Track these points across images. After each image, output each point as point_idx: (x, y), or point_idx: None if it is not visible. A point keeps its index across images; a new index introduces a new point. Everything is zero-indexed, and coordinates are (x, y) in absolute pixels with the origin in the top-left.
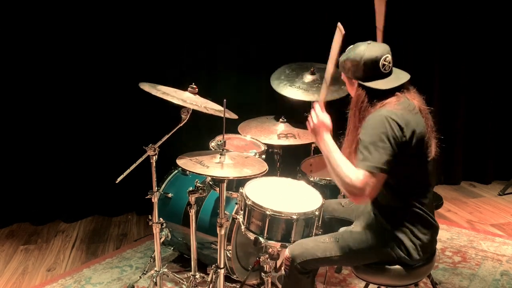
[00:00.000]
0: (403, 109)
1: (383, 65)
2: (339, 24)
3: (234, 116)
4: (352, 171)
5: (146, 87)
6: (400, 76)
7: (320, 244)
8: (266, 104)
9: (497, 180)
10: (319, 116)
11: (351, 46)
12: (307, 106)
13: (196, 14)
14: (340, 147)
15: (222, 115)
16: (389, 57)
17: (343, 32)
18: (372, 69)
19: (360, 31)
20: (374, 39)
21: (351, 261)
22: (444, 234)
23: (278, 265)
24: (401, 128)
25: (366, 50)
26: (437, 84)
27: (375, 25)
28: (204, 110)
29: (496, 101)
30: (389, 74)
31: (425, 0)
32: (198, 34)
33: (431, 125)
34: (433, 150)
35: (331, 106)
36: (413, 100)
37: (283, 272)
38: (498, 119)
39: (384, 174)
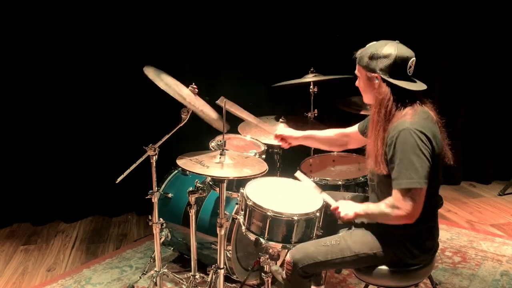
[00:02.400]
0: (424, 119)
1: (410, 66)
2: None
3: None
4: (384, 205)
5: (150, 73)
6: (420, 84)
7: (321, 248)
8: (266, 104)
9: (497, 180)
10: (342, 212)
11: (377, 42)
12: (307, 106)
13: (196, 14)
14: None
15: (218, 121)
16: (415, 62)
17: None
18: (401, 67)
19: (359, 31)
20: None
21: (353, 264)
22: (444, 234)
23: (278, 265)
24: (428, 139)
25: (397, 48)
26: (438, 84)
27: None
28: (200, 113)
29: (496, 101)
30: (411, 78)
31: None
32: (198, 34)
33: (445, 136)
34: (450, 157)
35: (331, 105)
36: (430, 111)
37: (284, 273)
38: (498, 119)
39: (422, 188)
